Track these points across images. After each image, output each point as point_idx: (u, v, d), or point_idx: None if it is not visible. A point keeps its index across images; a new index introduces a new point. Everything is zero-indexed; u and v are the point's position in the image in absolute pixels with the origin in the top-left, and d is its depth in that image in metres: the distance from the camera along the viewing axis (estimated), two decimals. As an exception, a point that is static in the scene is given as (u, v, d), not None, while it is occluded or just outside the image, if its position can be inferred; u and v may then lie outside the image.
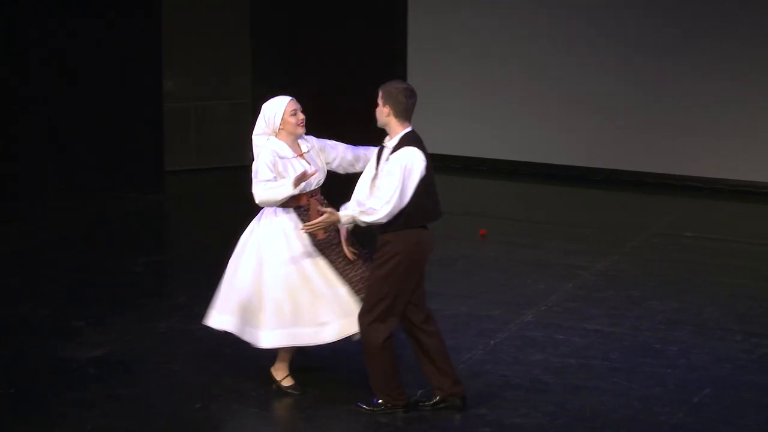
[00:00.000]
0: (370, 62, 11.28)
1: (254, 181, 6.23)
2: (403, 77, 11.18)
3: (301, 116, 6.34)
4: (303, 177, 6.11)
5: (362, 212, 5.91)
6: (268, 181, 6.21)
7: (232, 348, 6.79)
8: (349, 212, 5.97)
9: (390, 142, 6.03)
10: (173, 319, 7.26)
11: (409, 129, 6.07)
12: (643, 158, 10.49)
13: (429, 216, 6.05)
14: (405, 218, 5.94)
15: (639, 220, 9.48)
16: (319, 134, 6.62)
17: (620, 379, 6.46)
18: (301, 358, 6.46)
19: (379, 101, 6.04)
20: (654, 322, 7.24)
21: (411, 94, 6.03)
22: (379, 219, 5.87)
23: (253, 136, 6.40)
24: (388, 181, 5.88)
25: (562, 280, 7.97)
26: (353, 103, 11.58)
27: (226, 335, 6.97)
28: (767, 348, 6.84)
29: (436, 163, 10.71)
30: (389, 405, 6.07)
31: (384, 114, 6.02)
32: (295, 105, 6.36)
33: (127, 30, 10.27)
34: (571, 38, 10.59)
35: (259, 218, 6.48)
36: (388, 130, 6.06)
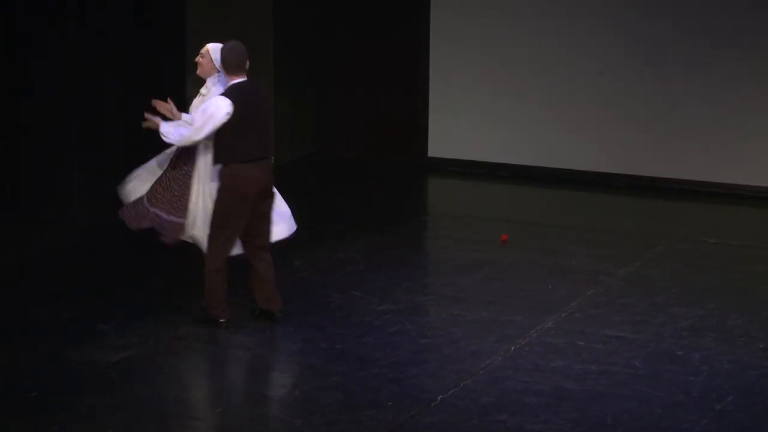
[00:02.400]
0: (394, 72, 11.27)
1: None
2: (425, 82, 11.17)
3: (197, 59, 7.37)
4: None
5: (165, 132, 7.14)
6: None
7: (253, 353, 6.80)
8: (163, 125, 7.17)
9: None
10: (195, 324, 7.27)
11: (237, 80, 7.13)
12: (667, 164, 10.44)
13: (248, 154, 7.04)
14: (227, 154, 7.00)
15: (663, 226, 9.43)
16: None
17: (643, 386, 6.42)
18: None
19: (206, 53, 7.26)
20: (677, 329, 7.19)
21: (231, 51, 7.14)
22: (169, 141, 7.16)
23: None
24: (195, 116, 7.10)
25: (584, 286, 7.93)
26: (378, 107, 11.60)
27: (245, 339, 6.99)
28: (792, 355, 6.79)
29: (457, 168, 10.82)
30: (210, 315, 7.17)
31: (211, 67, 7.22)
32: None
33: (149, 40, 10.29)
34: (594, 45, 10.55)
35: None
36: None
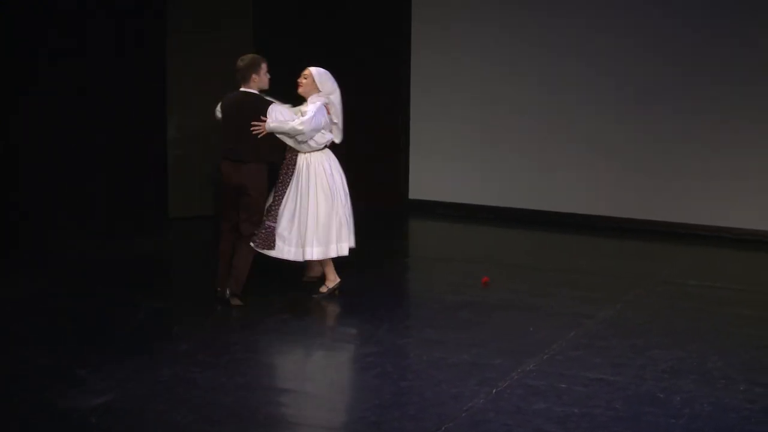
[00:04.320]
0: (373, 106, 11.33)
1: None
2: (406, 125, 11.22)
3: (300, 80, 8.59)
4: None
5: (274, 126, 8.34)
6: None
7: (234, 396, 6.77)
8: None
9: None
10: (176, 366, 7.25)
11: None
12: (647, 206, 10.50)
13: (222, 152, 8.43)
14: None
15: (643, 268, 9.47)
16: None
17: (623, 428, 6.41)
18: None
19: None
20: (658, 371, 7.20)
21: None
22: (280, 129, 8.38)
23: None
24: None
25: (565, 328, 7.95)
26: (359, 149, 11.63)
27: (226, 382, 6.96)
28: (772, 398, 6.80)
29: (438, 211, 10.85)
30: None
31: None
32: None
33: (130, 76, 10.34)
34: (577, 86, 10.63)
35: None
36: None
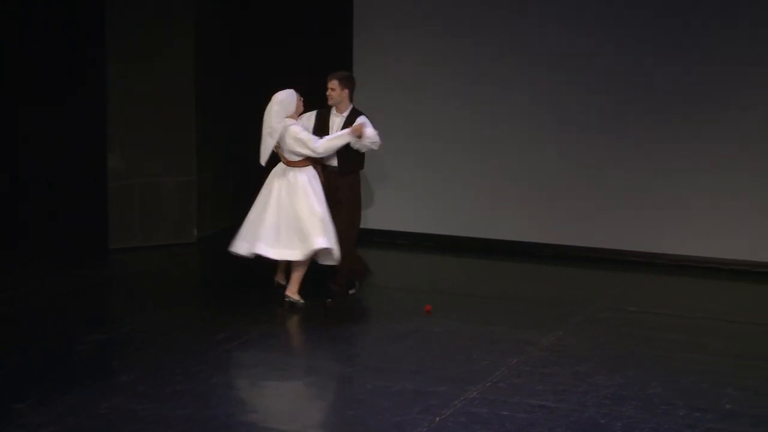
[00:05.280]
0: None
1: (310, 142, 8.88)
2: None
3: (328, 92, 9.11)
4: (359, 128, 8.89)
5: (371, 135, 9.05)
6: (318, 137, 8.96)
7: (175, 429, 6.71)
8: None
9: (345, 112, 9.10)
10: (116, 399, 7.17)
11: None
12: (587, 233, 10.59)
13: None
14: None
15: (584, 295, 9.55)
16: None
17: (566, 455, 6.44)
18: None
19: (337, 87, 8.99)
20: (599, 397, 7.25)
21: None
22: (374, 141, 9.09)
23: (274, 124, 8.93)
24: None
25: (508, 355, 7.98)
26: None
27: (167, 414, 6.90)
28: (711, 423, 6.87)
29: (382, 239, 10.87)
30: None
31: (343, 95, 9.03)
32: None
33: (71, 107, 10.27)
34: (516, 115, 10.72)
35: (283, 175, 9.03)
36: (340, 106, 9.06)
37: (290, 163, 8.98)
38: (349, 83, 9.07)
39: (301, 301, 9.01)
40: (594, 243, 10.57)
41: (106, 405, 7.08)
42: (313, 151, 8.86)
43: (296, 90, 9.05)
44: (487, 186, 10.83)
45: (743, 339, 8.43)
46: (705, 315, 9.00)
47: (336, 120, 9.09)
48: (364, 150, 9.06)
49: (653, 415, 6.97)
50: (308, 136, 8.91)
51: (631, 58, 10.30)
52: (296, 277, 9.03)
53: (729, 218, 10.17)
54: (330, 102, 9.06)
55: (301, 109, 9.04)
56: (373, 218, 11.01)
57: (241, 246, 9.07)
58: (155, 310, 8.99)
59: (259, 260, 9.78)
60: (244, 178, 11.76)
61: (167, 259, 10.61)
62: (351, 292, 9.34)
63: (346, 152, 9.02)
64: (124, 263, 10.45)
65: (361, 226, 11.26)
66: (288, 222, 8.90)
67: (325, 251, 8.91)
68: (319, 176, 9.03)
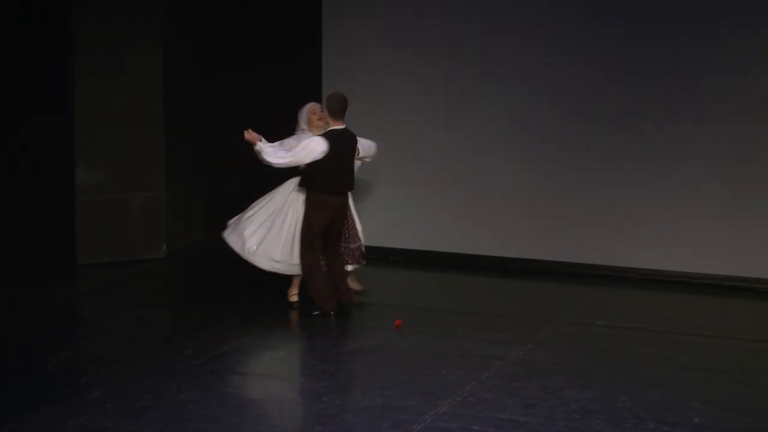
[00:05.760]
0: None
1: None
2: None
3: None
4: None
5: (262, 149, 8.91)
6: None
7: (143, 445, 6.68)
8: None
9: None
10: (84, 416, 7.13)
11: (337, 127, 8.97)
12: (556, 247, 10.64)
13: (332, 188, 8.99)
14: (315, 184, 8.93)
15: (552, 309, 9.59)
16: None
17: (536, 469, 6.46)
18: None
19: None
20: (569, 411, 7.28)
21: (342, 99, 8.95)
22: (264, 157, 8.97)
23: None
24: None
25: (477, 370, 8.00)
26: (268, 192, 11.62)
27: (135, 430, 6.86)
28: (679, 435, 6.92)
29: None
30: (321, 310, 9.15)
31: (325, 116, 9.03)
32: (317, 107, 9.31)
33: (39, 122, 10.23)
34: (483, 129, 10.76)
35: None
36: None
37: None
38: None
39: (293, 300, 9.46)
40: (562, 257, 10.62)
41: (74, 423, 7.04)
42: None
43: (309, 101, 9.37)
44: (457, 201, 10.87)
45: (711, 353, 8.48)
46: (673, 329, 9.06)
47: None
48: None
49: (622, 429, 7.00)
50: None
51: (602, 77, 10.36)
52: (298, 280, 9.44)
53: (698, 233, 10.24)
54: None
55: (317, 124, 9.19)
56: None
57: (262, 262, 9.33)
58: (124, 326, 8.95)
59: (229, 273, 9.77)
60: (213, 193, 11.75)
61: (136, 275, 10.57)
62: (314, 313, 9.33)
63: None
64: (93, 279, 10.40)
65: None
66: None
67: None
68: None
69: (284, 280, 9.38)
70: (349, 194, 9.30)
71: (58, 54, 10.43)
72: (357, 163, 9.27)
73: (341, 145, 8.93)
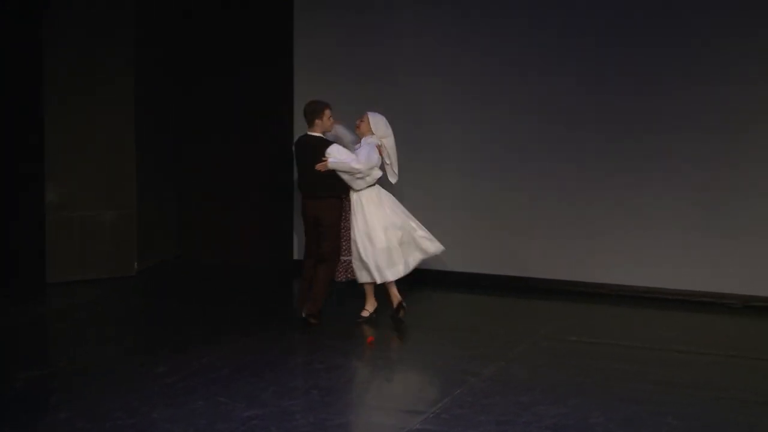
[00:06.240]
0: (253, 170, 11.35)
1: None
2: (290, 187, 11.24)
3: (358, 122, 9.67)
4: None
5: (335, 163, 9.32)
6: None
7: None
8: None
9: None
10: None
11: (309, 132, 9.45)
12: (527, 263, 10.65)
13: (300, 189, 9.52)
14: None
15: (525, 325, 9.60)
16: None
17: (509, 485, 6.44)
18: None
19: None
20: (542, 427, 7.27)
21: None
22: (341, 167, 9.36)
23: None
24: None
25: (450, 386, 7.98)
26: (242, 211, 11.60)
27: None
28: (652, 451, 6.92)
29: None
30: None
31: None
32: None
33: (8, 140, 10.17)
34: (451, 144, 10.77)
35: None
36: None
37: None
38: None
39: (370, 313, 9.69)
40: (535, 273, 10.64)
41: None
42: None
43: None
44: (428, 216, 10.85)
45: (683, 368, 8.51)
46: (646, 344, 9.08)
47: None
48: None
49: (595, 445, 7.00)
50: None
51: (572, 95, 10.39)
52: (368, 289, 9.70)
53: (668, 249, 10.28)
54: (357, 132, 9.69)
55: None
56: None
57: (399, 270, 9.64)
58: (95, 345, 8.89)
59: (200, 291, 9.71)
60: (185, 210, 11.71)
61: (107, 293, 10.51)
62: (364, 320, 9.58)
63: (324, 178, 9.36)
64: (63, 297, 10.33)
65: (301, 257, 11.34)
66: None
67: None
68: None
69: (249, 299, 9.26)
70: (355, 207, 9.43)
71: (28, 72, 10.39)
72: (353, 173, 9.36)
73: (300, 150, 9.44)
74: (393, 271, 9.54)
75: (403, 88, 10.82)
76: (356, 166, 9.28)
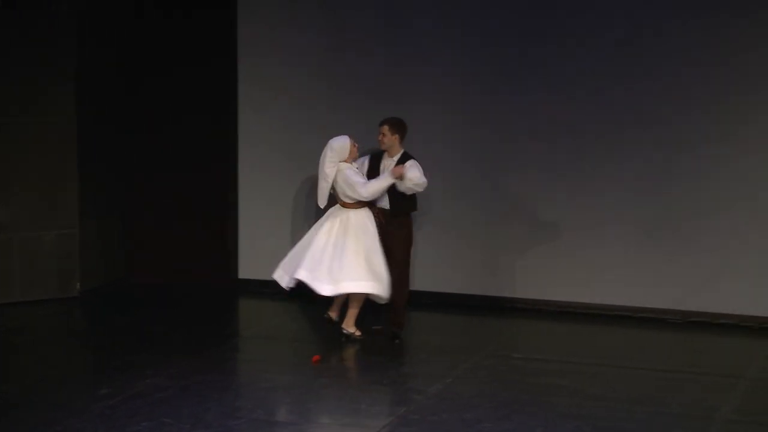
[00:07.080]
0: (202, 194, 11.31)
1: (358, 186, 9.29)
2: (235, 206, 11.21)
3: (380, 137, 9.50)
4: (399, 170, 9.29)
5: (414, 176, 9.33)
6: (366, 181, 9.36)
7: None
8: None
9: (396, 156, 9.45)
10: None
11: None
12: (473, 281, 10.68)
13: None
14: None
15: (469, 342, 9.64)
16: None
17: (455, 502, 6.46)
18: None
19: (387, 132, 9.37)
20: (487, 443, 7.32)
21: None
22: (419, 182, 9.39)
23: (326, 170, 9.34)
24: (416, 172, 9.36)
25: (396, 404, 8.00)
26: (187, 230, 11.53)
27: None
28: (596, 466, 6.98)
29: (268, 290, 10.81)
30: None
31: (394, 139, 9.43)
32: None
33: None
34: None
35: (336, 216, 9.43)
36: (391, 150, 9.46)
37: (345, 205, 9.40)
38: (399, 129, 9.41)
39: (358, 333, 9.50)
40: (479, 290, 10.68)
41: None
42: (360, 195, 9.28)
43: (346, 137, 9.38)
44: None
45: (625, 384, 8.59)
46: (588, 360, 9.16)
47: (387, 163, 9.45)
48: (408, 192, 9.37)
49: (539, 460, 7.05)
50: (357, 180, 9.31)
51: (524, 107, 10.45)
52: (352, 311, 9.45)
53: (611, 266, 10.37)
54: (382, 147, 9.44)
55: (356, 155, 9.44)
56: (259, 269, 10.93)
57: (282, 277, 9.50)
58: (35, 368, 8.79)
59: (144, 312, 9.64)
60: (128, 230, 11.62)
61: (48, 315, 10.40)
62: (396, 341, 9.56)
63: (395, 194, 9.34)
64: (3, 319, 10.20)
65: (249, 276, 11.28)
66: (332, 257, 9.24)
67: (360, 295, 9.36)
68: (375, 217, 9.40)
69: (194, 318, 9.21)
70: (349, 228, 9.37)
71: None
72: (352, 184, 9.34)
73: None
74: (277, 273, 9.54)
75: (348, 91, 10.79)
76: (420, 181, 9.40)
